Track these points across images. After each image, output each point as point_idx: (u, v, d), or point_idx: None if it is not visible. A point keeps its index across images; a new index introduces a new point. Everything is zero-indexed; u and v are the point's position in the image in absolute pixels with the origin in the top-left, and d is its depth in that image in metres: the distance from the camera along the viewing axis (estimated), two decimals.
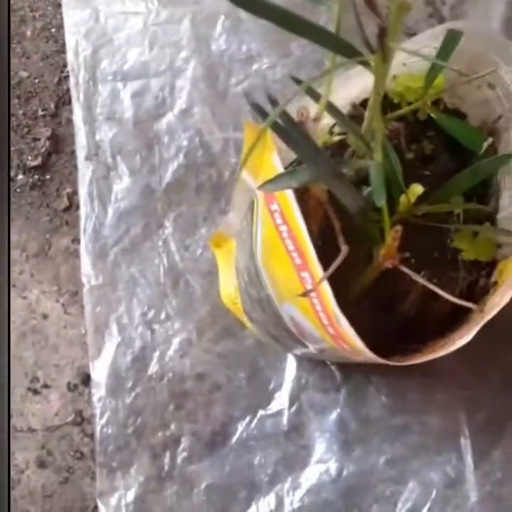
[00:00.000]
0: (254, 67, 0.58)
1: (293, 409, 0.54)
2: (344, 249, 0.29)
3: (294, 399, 0.54)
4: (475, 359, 0.51)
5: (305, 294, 0.29)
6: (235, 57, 0.59)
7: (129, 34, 0.59)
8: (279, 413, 0.54)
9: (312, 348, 0.42)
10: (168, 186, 0.58)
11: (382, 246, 0.30)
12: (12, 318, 0.59)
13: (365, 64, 0.25)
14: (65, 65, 0.64)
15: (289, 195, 0.30)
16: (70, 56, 0.61)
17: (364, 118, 0.30)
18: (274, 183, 0.29)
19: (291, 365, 0.55)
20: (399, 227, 0.28)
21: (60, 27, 0.65)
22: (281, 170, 0.30)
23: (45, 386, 0.58)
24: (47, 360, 0.58)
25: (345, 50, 0.24)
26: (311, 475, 0.52)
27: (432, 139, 0.37)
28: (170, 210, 0.58)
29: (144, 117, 0.59)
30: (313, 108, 0.30)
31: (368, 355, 0.29)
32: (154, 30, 0.59)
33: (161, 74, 0.59)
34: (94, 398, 0.55)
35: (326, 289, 0.28)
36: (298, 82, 0.26)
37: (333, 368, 0.54)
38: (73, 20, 0.61)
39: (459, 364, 0.52)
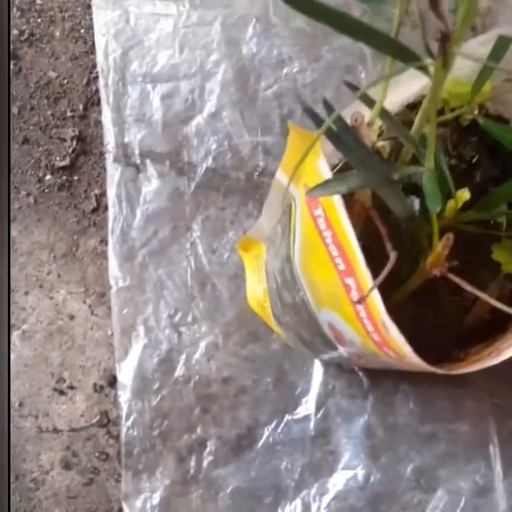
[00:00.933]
0: (285, 70, 0.58)
1: (320, 414, 0.53)
2: (393, 255, 0.28)
3: (320, 404, 0.53)
4: (505, 367, 0.50)
5: (358, 302, 0.28)
6: (265, 60, 0.58)
7: (159, 36, 0.59)
8: (306, 418, 0.53)
9: (345, 353, 0.41)
10: (196, 189, 0.58)
11: (430, 253, 0.30)
12: (39, 318, 0.59)
13: (424, 70, 0.25)
14: (93, 66, 0.63)
15: (337, 201, 0.30)
16: (99, 57, 0.60)
17: (412, 122, 0.30)
18: (322, 188, 0.29)
19: (318, 371, 0.54)
20: (451, 235, 0.27)
21: (90, 28, 0.65)
22: (329, 175, 0.30)
23: (71, 387, 0.57)
24: (73, 361, 0.58)
25: (405, 56, 0.24)
26: (337, 481, 0.51)
27: (474, 145, 0.36)
28: (198, 213, 0.58)
29: (173, 120, 0.59)
30: (362, 110, 0.30)
31: (414, 361, 0.29)
32: (185, 32, 0.59)
33: (191, 76, 0.59)
34: (120, 400, 0.55)
35: (376, 297, 0.28)
36: (352, 87, 0.26)
37: (360, 374, 0.53)
38: (103, 21, 0.61)
39: (488, 372, 0.51)
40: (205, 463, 0.54)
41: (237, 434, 0.54)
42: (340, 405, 0.53)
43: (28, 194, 0.61)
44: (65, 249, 0.60)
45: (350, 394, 0.53)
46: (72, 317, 0.59)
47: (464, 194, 0.32)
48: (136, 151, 0.58)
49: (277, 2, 0.59)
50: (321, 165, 0.30)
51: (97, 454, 0.56)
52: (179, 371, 0.56)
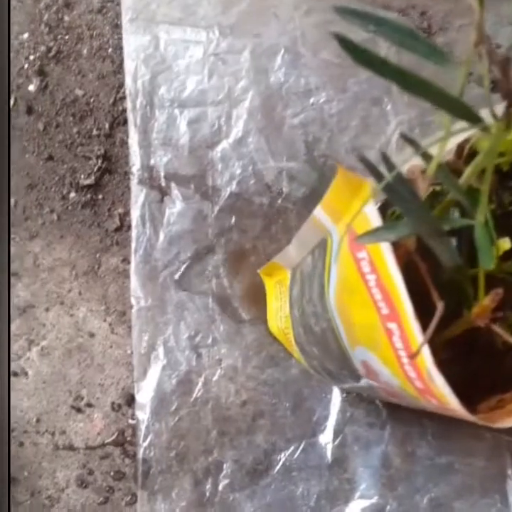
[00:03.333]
0: (312, 100, 0.58)
1: (337, 442, 0.53)
2: (440, 306, 0.28)
3: (338, 432, 0.53)
4: None
5: (412, 356, 0.28)
6: (292, 89, 0.58)
7: (189, 62, 0.59)
8: (323, 445, 0.53)
9: (375, 387, 0.41)
10: (219, 213, 0.58)
11: (475, 303, 0.29)
12: (59, 335, 0.58)
13: (485, 129, 0.25)
14: (120, 86, 0.63)
15: (386, 248, 0.29)
16: (128, 81, 0.60)
17: (458, 170, 0.30)
18: (371, 236, 0.29)
19: (336, 398, 0.54)
20: (500, 291, 0.27)
21: (117, 47, 0.65)
22: (378, 223, 0.29)
23: (89, 405, 0.57)
24: (92, 379, 0.57)
25: (469, 117, 0.24)
26: (354, 510, 0.51)
27: None
28: (220, 236, 0.57)
29: (199, 144, 0.58)
30: (412, 158, 0.30)
31: (459, 411, 0.29)
32: (214, 59, 0.59)
33: (218, 103, 0.58)
34: (138, 420, 0.55)
35: (424, 350, 0.27)
36: (411, 142, 0.26)
37: (378, 403, 0.53)
38: (133, 45, 0.60)
39: None
40: (221, 486, 0.53)
41: (254, 458, 0.54)
42: (358, 433, 0.53)
43: (52, 211, 0.61)
44: (87, 267, 0.60)
45: (368, 422, 0.53)
46: (92, 335, 0.58)
47: (505, 244, 0.32)
48: (162, 174, 0.58)
49: (306, 33, 0.59)
50: (370, 212, 0.29)
51: (112, 473, 0.56)
52: (197, 393, 0.55)
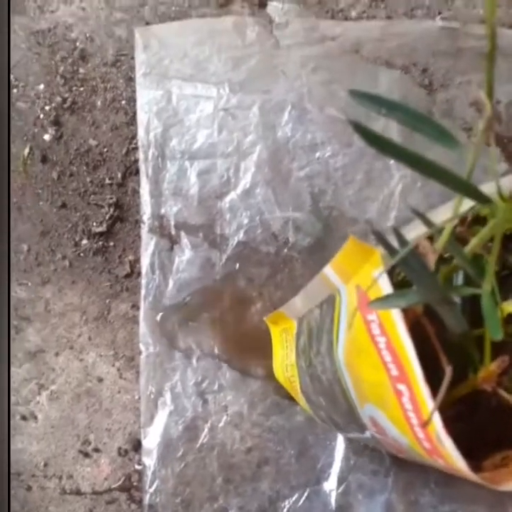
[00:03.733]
0: (317, 154, 0.60)
1: (341, 489, 0.54)
2: (448, 371, 0.30)
3: (342, 479, 0.54)
4: None
5: (423, 425, 0.29)
6: (299, 144, 0.60)
7: (200, 116, 0.61)
8: (327, 492, 0.54)
9: (381, 441, 0.42)
10: (227, 261, 0.59)
11: (481, 366, 0.31)
12: (68, 379, 0.59)
13: (492, 208, 0.26)
14: (133, 137, 0.65)
15: (396, 313, 0.31)
16: (140, 133, 0.62)
17: (464, 238, 0.32)
18: (382, 302, 0.30)
19: (340, 445, 0.55)
20: (506, 359, 0.29)
21: (130, 99, 0.67)
22: (389, 290, 0.31)
23: (96, 450, 0.57)
24: (100, 424, 0.58)
25: (478, 197, 0.25)
26: None
27: None
28: (228, 283, 0.59)
29: (208, 195, 0.60)
30: (417, 227, 0.31)
31: (466, 473, 0.30)
32: (224, 114, 0.61)
33: (227, 155, 0.60)
34: (145, 465, 0.55)
35: (436, 416, 0.29)
36: (421, 217, 0.27)
37: (383, 451, 0.54)
38: (146, 99, 0.63)
39: None
40: None
41: (259, 505, 0.54)
42: (362, 481, 0.53)
43: (64, 257, 0.62)
44: (97, 313, 0.61)
45: (372, 470, 0.53)
46: (100, 380, 0.59)
47: (509, 306, 0.33)
48: (172, 223, 0.60)
49: (312, 90, 0.62)
50: (382, 280, 0.31)
51: None
52: (203, 439, 0.56)
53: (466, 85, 0.64)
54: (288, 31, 0.66)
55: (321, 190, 0.60)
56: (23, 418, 0.58)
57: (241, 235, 0.60)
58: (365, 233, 0.59)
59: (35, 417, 0.58)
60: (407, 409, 0.32)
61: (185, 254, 0.59)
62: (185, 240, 0.60)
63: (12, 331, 0.60)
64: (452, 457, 0.29)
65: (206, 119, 0.61)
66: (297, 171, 0.60)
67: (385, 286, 0.31)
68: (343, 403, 0.42)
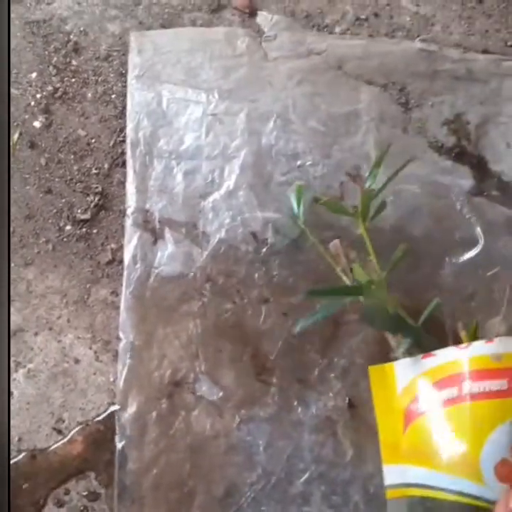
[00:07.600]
0: (298, 162, 0.62)
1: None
2: None
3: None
4: None
5: None
6: (281, 151, 0.63)
7: (188, 119, 0.63)
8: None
9: None
10: (208, 257, 0.61)
11: None
12: (45, 359, 0.60)
13: None
14: (121, 130, 0.66)
15: None
16: (130, 131, 0.63)
17: None
18: None
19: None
20: None
21: (120, 94, 0.68)
22: None
23: (69, 428, 0.58)
24: (74, 404, 0.59)
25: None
26: None
27: None
28: (207, 279, 0.60)
29: (192, 194, 0.62)
30: None
31: None
32: (212, 119, 0.63)
33: (213, 158, 0.62)
34: (117, 445, 0.56)
35: None
36: None
37: None
38: (137, 100, 0.64)
39: None
40: None
41: (225, 488, 0.56)
42: None
43: (47, 241, 0.63)
44: (77, 297, 0.62)
45: None
46: (77, 361, 0.60)
47: None
48: (156, 218, 0.61)
49: (296, 102, 0.64)
50: None
51: (86, 494, 0.57)
52: (178, 425, 0.57)
53: (439, 105, 0.67)
54: (276, 44, 0.68)
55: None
56: None
57: (222, 234, 0.62)
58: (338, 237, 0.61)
59: (11, 393, 0.59)
60: None
61: (167, 249, 0.61)
62: (168, 235, 0.61)
63: None
64: None
65: (194, 123, 0.63)
66: (279, 177, 0.62)
67: None
68: None
